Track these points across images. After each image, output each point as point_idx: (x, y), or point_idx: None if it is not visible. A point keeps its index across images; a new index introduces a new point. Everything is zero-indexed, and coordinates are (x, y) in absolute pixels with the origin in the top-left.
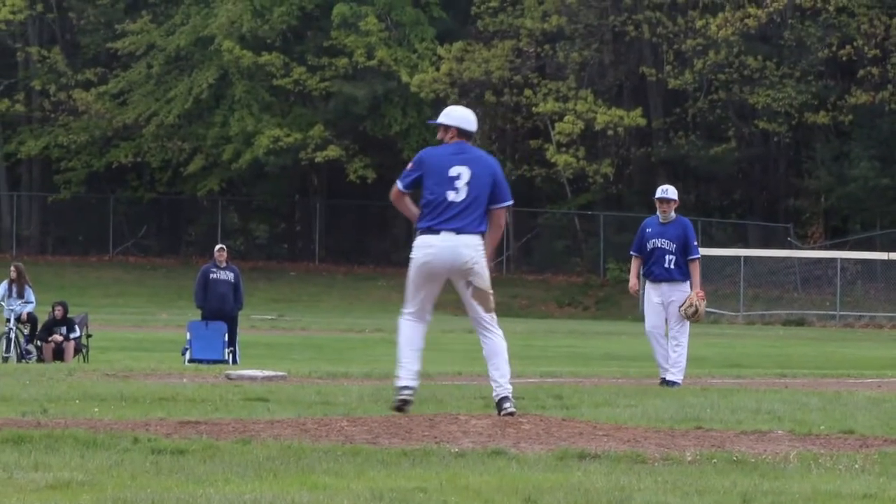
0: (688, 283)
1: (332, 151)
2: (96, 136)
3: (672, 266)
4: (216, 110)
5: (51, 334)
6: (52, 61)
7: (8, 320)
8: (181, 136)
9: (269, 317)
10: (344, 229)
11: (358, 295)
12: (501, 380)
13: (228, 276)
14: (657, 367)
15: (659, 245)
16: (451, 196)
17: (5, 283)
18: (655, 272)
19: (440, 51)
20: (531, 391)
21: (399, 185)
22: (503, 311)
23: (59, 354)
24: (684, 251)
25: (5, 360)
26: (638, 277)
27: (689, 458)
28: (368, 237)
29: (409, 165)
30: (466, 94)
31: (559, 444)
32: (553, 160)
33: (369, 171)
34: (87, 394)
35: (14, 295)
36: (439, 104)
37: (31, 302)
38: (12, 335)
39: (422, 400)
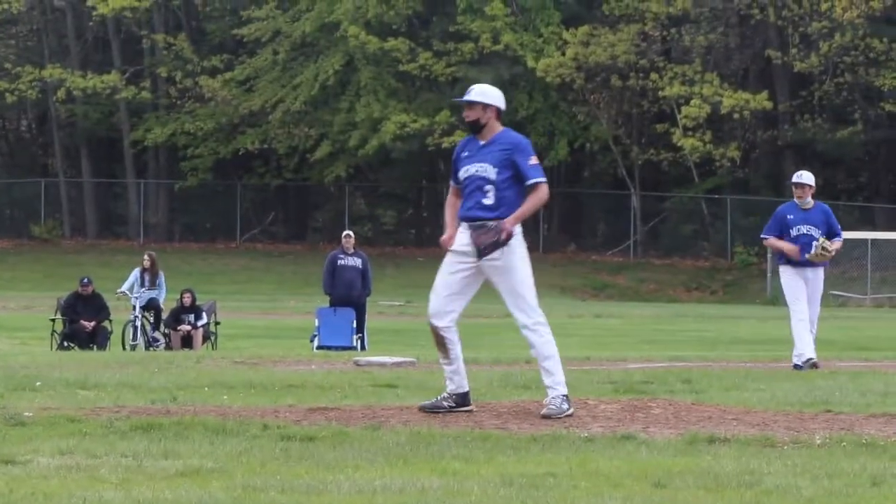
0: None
1: (460, 136)
2: (223, 123)
3: None
4: (342, 96)
5: (179, 322)
6: (178, 48)
7: (134, 308)
8: (307, 122)
9: (398, 303)
10: None
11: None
12: None
13: (356, 262)
14: (795, 352)
15: (805, 231)
16: None
17: (137, 272)
18: (802, 258)
19: (566, 35)
20: (660, 375)
21: None
22: (631, 296)
23: (187, 342)
24: (829, 235)
25: (132, 347)
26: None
27: (819, 442)
28: None
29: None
30: (592, 79)
31: (688, 428)
32: (679, 144)
33: None
34: (215, 381)
35: (147, 283)
36: (565, 89)
37: (162, 290)
38: (138, 323)
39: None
